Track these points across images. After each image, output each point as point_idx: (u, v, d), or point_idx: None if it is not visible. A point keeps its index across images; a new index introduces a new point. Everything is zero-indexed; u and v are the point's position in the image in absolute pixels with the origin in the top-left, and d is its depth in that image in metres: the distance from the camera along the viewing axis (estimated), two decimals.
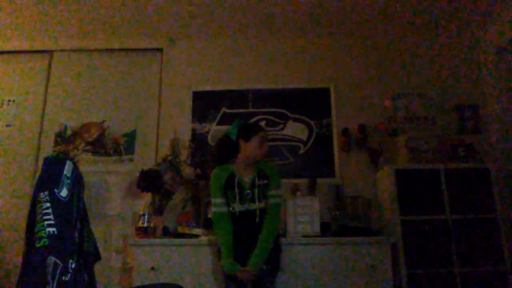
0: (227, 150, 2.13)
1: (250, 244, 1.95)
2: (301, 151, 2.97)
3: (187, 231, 2.38)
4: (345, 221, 2.58)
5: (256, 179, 2.05)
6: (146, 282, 2.16)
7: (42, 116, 3.10)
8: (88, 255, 1.47)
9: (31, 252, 1.22)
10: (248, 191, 2.03)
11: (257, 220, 2.00)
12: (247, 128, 2.12)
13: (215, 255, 2.21)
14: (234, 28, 3.09)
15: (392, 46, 3.19)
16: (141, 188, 2.57)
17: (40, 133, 3.06)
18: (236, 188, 2.02)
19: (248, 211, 2.02)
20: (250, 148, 2.06)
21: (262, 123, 2.99)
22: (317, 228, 2.41)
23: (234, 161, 2.12)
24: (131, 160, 2.99)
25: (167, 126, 3.04)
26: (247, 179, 2.06)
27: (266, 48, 3.21)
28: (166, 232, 2.53)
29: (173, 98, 3.12)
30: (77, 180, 1.42)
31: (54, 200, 1.27)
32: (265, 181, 2.06)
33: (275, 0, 2.72)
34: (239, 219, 2.02)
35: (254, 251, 1.93)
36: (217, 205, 2.05)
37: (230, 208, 2.03)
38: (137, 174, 2.61)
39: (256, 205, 2.02)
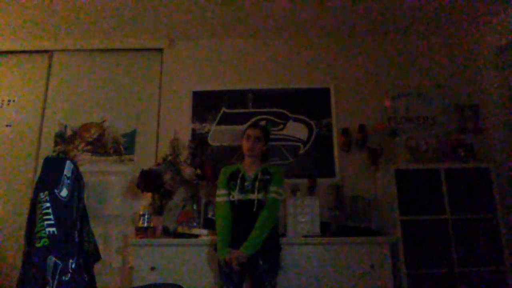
0: None
1: (246, 232, 2.02)
2: (301, 151, 2.97)
3: (187, 231, 2.38)
4: (345, 221, 2.58)
5: (259, 174, 2.19)
6: (146, 282, 2.16)
7: (42, 116, 3.10)
8: (88, 255, 1.47)
9: (31, 252, 1.22)
10: (249, 183, 2.16)
11: (255, 209, 2.09)
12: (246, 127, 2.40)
13: (212, 253, 2.22)
14: (234, 28, 3.09)
15: (392, 46, 3.19)
16: (141, 188, 2.57)
17: (40, 133, 3.06)
18: (238, 180, 2.17)
19: (247, 200, 2.12)
20: (242, 144, 2.31)
21: (262, 123, 3.00)
22: (317, 228, 2.41)
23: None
24: (131, 160, 2.99)
25: (167, 126, 3.04)
26: (250, 174, 2.21)
27: (266, 48, 3.21)
28: (166, 232, 2.53)
29: (173, 98, 3.11)
30: (77, 180, 1.42)
31: (54, 200, 1.27)
32: (268, 177, 2.18)
33: (275, 0, 2.72)
34: (238, 208, 2.13)
35: (247, 238, 2.00)
36: (219, 196, 2.20)
37: (230, 197, 2.15)
38: (137, 174, 2.61)
39: (255, 195, 2.12)
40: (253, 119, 3.03)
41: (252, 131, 2.28)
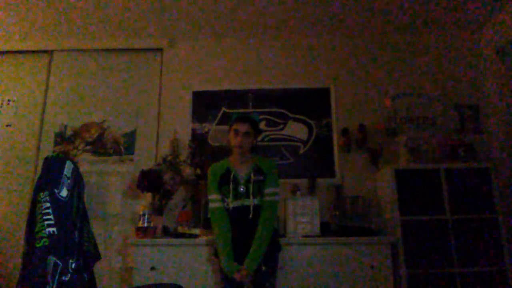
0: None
1: (244, 240, 1.95)
2: (301, 151, 2.97)
3: (187, 231, 2.38)
4: (345, 221, 2.58)
5: (252, 174, 2.04)
6: (146, 282, 2.16)
7: (42, 116, 3.10)
8: (88, 255, 1.47)
9: (31, 252, 1.22)
10: (242, 187, 2.02)
11: (251, 216, 1.98)
12: (231, 118, 2.11)
13: (212, 253, 2.21)
14: (234, 28, 3.09)
15: (392, 46, 3.19)
16: (141, 188, 2.57)
17: (40, 133, 3.06)
18: (231, 184, 2.02)
19: (243, 207, 2.00)
20: (230, 138, 2.08)
21: (262, 123, 3.00)
22: (317, 228, 2.41)
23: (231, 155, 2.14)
24: (131, 160, 2.99)
25: (167, 126, 3.04)
26: (242, 174, 2.06)
27: (266, 48, 3.21)
28: (166, 232, 2.53)
29: (173, 98, 3.12)
30: (77, 180, 1.42)
31: (54, 200, 1.27)
32: (261, 177, 2.04)
33: (275, 0, 2.72)
34: (233, 215, 2.01)
35: (250, 251, 1.92)
36: (213, 201, 2.06)
37: (225, 204, 2.03)
38: (137, 174, 2.61)
39: (250, 201, 1.99)
40: None
41: (240, 126, 2.02)
